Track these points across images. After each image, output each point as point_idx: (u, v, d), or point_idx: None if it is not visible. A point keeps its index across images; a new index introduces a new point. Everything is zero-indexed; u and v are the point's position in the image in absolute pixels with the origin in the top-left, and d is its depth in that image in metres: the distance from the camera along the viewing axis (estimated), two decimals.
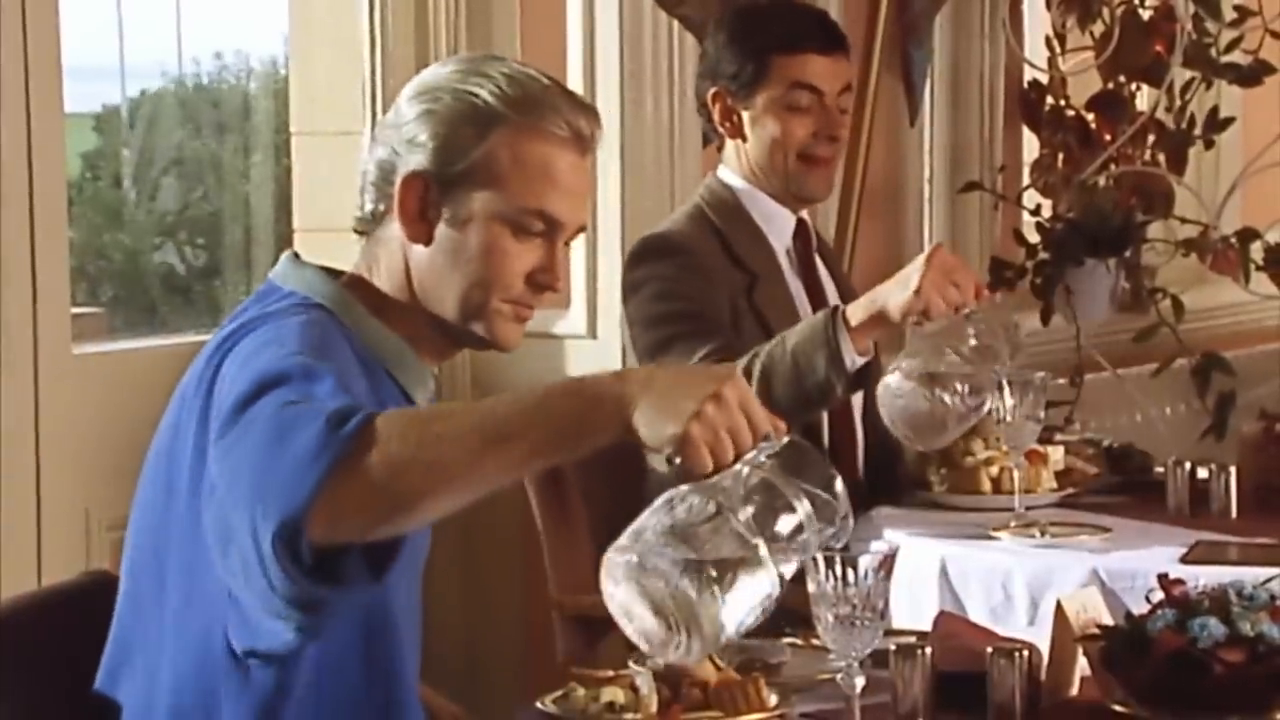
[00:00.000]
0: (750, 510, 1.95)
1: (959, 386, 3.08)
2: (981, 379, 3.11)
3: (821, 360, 3.18)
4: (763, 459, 1.98)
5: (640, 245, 3.56)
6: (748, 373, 3.22)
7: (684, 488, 1.97)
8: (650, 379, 1.98)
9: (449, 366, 4.28)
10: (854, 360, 3.20)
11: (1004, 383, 3.21)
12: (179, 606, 2.16)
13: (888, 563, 2.13)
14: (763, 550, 1.93)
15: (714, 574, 1.90)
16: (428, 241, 2.25)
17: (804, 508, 1.98)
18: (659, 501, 1.97)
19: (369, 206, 2.30)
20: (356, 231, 2.34)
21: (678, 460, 1.97)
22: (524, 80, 2.27)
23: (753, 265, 3.53)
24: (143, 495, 2.24)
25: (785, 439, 2.01)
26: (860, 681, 2.17)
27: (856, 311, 3.21)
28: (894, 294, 3.16)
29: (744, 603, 1.92)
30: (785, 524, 1.97)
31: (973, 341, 3.11)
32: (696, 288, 3.45)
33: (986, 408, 3.13)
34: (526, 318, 2.30)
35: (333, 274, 2.31)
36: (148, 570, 2.21)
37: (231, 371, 2.09)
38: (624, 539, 1.94)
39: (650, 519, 1.95)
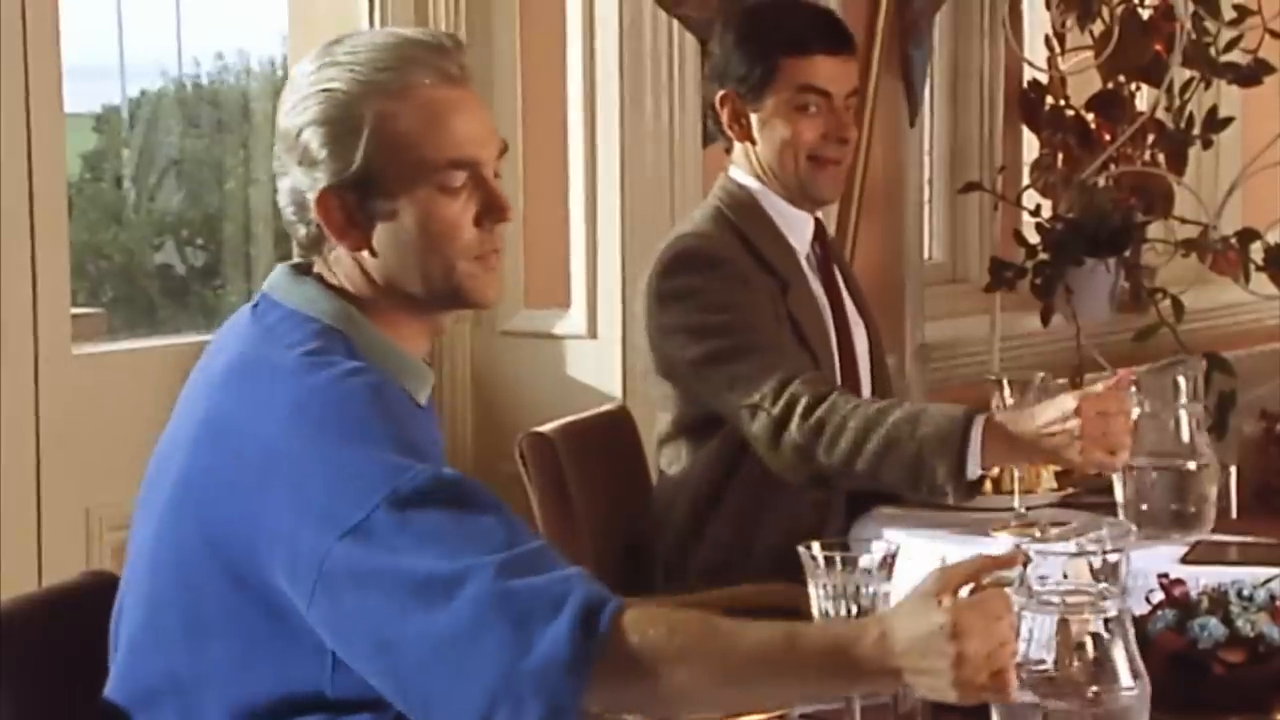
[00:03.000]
0: None
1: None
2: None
3: (943, 469, 3.17)
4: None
5: (674, 254, 3.47)
6: (867, 431, 3.22)
7: None
8: (892, 650, 1.95)
9: (450, 366, 4.28)
10: (976, 472, 3.19)
11: (1004, 382, 3.21)
12: (231, 660, 2.11)
13: (888, 562, 2.12)
14: None
15: None
16: (371, 247, 2.21)
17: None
18: None
19: (302, 233, 2.25)
20: (302, 254, 2.28)
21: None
22: (371, 50, 2.21)
23: (781, 270, 3.50)
24: (145, 525, 2.20)
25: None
26: None
27: (998, 442, 3.16)
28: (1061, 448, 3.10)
29: None
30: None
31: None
32: (740, 296, 3.41)
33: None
34: (495, 265, 2.25)
35: (316, 275, 2.27)
36: (171, 598, 2.16)
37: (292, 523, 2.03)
38: None
39: None
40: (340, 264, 2.25)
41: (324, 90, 2.19)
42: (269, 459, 2.07)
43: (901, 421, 3.20)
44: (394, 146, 2.18)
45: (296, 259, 2.30)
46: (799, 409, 3.25)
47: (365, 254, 2.22)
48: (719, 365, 3.37)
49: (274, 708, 2.10)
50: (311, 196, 2.21)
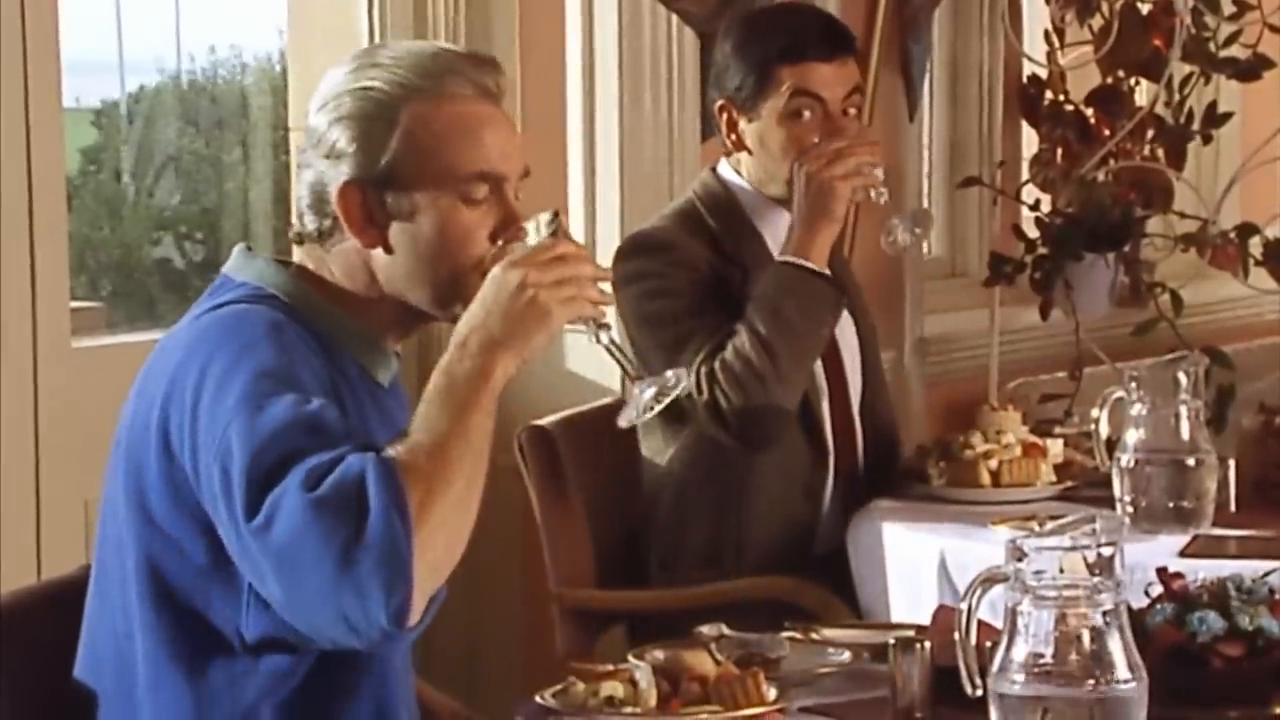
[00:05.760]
0: None
1: None
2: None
3: (824, 293, 3.40)
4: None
5: (628, 242, 3.59)
6: (761, 342, 3.38)
7: None
8: (486, 325, 2.12)
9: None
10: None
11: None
12: (148, 619, 2.18)
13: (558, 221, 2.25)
14: None
15: None
16: (387, 245, 2.23)
17: None
18: None
19: (312, 227, 2.27)
20: (296, 242, 2.31)
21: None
22: (413, 56, 2.25)
23: (744, 261, 3.52)
24: (110, 490, 2.25)
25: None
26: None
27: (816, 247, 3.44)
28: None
29: None
30: None
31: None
32: (687, 280, 3.46)
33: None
34: None
35: (285, 264, 2.30)
36: (108, 561, 2.26)
37: (204, 418, 2.09)
38: None
39: None
40: (342, 260, 2.27)
41: (361, 88, 2.23)
42: (170, 382, 2.14)
43: (763, 310, 3.39)
44: (424, 149, 2.22)
45: (296, 254, 2.32)
46: (717, 386, 3.37)
47: (378, 252, 2.24)
48: (685, 348, 3.42)
49: (194, 650, 2.15)
50: (334, 188, 2.23)
